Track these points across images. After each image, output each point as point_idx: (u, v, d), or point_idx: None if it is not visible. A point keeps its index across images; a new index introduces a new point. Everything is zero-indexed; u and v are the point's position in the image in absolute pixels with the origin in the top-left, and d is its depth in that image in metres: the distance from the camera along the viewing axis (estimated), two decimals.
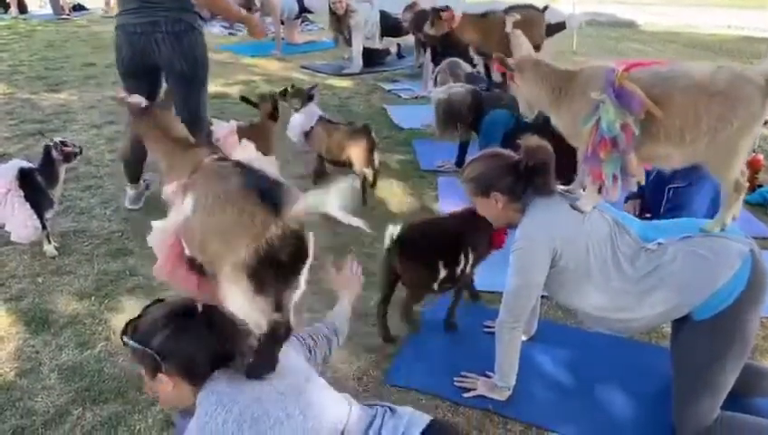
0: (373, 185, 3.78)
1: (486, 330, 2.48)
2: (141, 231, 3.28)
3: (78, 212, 3.49)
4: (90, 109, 5.30)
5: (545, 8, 5.12)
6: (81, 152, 3.20)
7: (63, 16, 9.61)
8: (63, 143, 3.10)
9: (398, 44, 7.40)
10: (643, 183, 2.07)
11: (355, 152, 3.67)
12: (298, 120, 3.89)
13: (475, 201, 2.13)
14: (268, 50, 7.60)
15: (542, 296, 2.38)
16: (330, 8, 6.71)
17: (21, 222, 2.92)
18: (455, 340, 2.49)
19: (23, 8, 9.91)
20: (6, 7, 9.81)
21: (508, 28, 4.48)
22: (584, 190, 2.03)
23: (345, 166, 3.77)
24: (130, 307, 2.64)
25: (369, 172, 3.70)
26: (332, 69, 6.88)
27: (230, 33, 8.87)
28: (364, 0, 7.11)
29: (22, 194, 2.91)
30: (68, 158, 3.10)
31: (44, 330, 2.50)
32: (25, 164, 3.01)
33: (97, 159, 4.23)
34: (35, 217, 2.94)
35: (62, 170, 3.10)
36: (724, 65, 1.83)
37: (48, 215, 3.03)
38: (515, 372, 2.12)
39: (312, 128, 3.86)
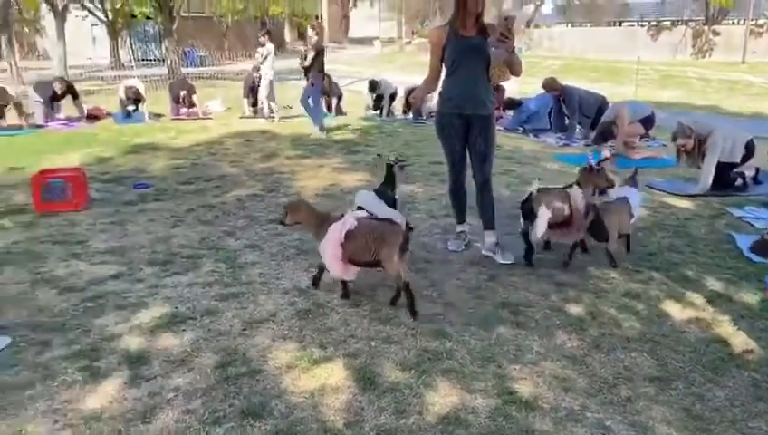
0: None
1: None
2: (461, 318, 3.50)
3: None
4: (430, 201, 5.93)
5: None
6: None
7: (421, 121, 11.10)
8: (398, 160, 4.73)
9: (757, 168, 6.62)
10: None
11: None
12: None
13: None
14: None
15: None
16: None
17: None
18: None
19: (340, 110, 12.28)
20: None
21: None
22: None
23: None
24: (443, 387, 2.78)
25: None
26: (672, 187, 6.48)
27: (565, 144, 9.09)
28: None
29: None
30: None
31: (370, 389, 2.78)
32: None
33: (430, 246, 4.67)
34: None
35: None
36: None
37: None
38: None
39: None
